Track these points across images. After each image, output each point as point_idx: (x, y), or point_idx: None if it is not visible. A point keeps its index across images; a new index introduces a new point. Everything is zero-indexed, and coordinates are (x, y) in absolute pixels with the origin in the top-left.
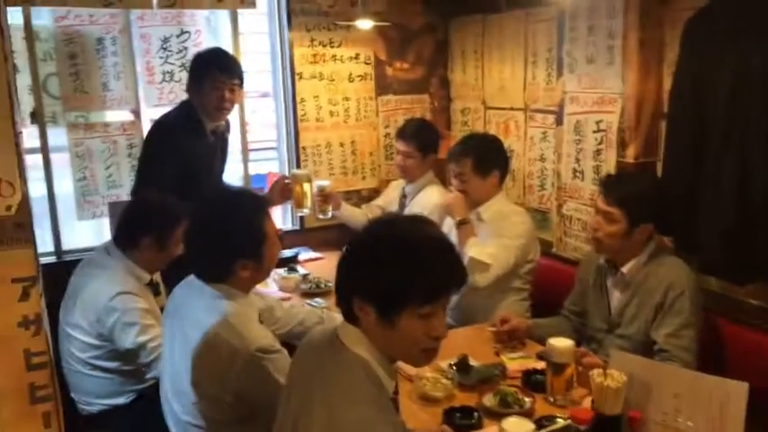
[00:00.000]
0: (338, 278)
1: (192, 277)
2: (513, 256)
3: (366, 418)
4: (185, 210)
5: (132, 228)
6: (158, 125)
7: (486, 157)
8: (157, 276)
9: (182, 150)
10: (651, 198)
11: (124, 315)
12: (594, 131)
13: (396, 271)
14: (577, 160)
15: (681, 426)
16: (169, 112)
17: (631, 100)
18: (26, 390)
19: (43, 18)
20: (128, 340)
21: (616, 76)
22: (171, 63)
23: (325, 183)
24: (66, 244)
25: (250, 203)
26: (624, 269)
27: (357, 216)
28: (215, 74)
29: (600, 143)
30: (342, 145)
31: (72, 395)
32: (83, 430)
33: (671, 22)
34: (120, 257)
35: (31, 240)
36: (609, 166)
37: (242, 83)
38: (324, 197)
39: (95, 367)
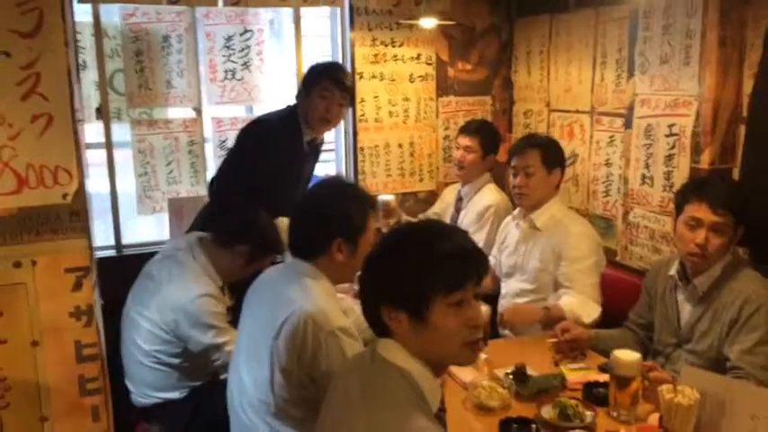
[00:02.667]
0: (362, 295)
1: (279, 264)
2: (595, 275)
3: (407, 424)
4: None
5: (235, 233)
6: (257, 123)
7: (553, 151)
8: None
9: (275, 152)
10: (746, 196)
11: (204, 317)
12: (666, 135)
13: (413, 266)
14: (647, 165)
15: None
16: (270, 113)
17: (708, 103)
18: (75, 381)
19: (112, 15)
20: (204, 340)
21: (692, 78)
22: (233, 61)
23: (389, 197)
24: (127, 238)
25: (361, 195)
26: (697, 281)
27: None
28: (326, 83)
29: (672, 148)
30: (400, 146)
31: (127, 383)
32: (134, 422)
33: (754, 21)
34: (202, 259)
35: (85, 230)
36: (681, 172)
37: (351, 101)
38: (388, 212)
39: (158, 361)
